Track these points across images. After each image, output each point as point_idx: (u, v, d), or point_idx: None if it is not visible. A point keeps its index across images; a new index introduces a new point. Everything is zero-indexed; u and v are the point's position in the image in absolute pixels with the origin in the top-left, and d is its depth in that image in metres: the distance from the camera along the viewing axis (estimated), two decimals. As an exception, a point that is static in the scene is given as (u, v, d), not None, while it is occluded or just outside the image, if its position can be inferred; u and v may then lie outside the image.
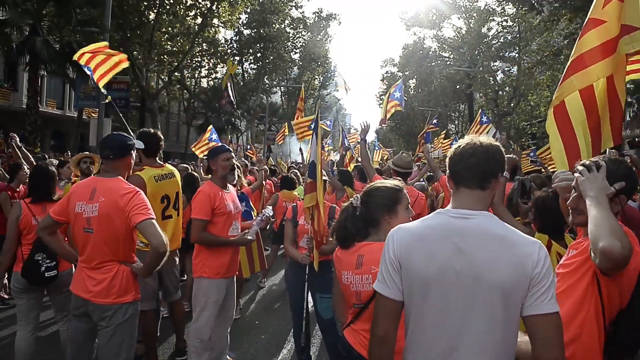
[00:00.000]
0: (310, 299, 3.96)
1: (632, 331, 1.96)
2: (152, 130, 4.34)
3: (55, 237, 3.18)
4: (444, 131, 28.49)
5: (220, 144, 11.60)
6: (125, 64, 6.57)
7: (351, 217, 2.54)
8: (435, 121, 16.30)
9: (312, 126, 4.30)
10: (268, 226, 4.55)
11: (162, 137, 4.39)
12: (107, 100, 7.06)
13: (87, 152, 6.16)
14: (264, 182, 7.71)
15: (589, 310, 1.91)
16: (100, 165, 5.23)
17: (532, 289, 1.57)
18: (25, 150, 5.88)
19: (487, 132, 12.42)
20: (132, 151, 3.23)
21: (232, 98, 11.98)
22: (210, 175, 4.20)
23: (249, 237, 4.06)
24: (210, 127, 10.89)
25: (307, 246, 3.93)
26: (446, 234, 1.69)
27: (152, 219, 2.88)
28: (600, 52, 3.40)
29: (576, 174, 2.03)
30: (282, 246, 8.08)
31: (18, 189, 5.86)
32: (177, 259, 4.65)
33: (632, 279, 1.89)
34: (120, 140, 3.18)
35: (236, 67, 11.38)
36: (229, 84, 11.63)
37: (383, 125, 12.32)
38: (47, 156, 8.95)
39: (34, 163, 5.97)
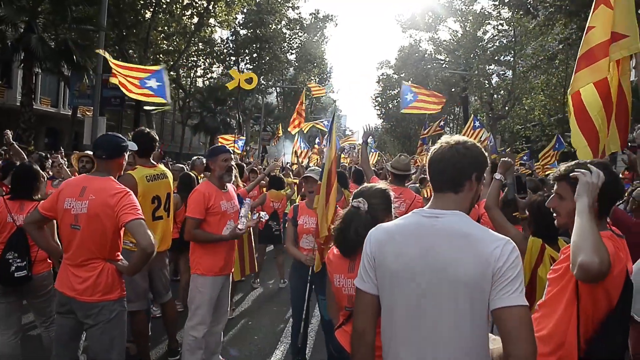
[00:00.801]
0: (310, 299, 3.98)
1: (618, 335, 1.98)
2: (147, 130, 4.36)
3: (42, 231, 3.17)
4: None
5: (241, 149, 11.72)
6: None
7: (363, 223, 2.40)
8: (442, 124, 16.27)
9: (327, 125, 4.33)
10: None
11: (156, 137, 4.39)
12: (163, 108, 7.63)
13: (88, 152, 6.16)
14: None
15: (571, 316, 1.94)
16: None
17: (496, 282, 1.57)
18: (17, 147, 5.86)
19: (481, 137, 12.44)
20: (125, 153, 3.24)
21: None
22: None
23: (239, 229, 4.03)
24: (243, 137, 11.25)
25: (308, 247, 3.97)
26: (416, 232, 1.72)
27: (141, 219, 2.91)
28: (586, 59, 3.47)
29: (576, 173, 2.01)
30: (270, 246, 8.13)
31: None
32: (167, 260, 4.65)
33: (618, 282, 1.93)
34: (114, 141, 3.18)
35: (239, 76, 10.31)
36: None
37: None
38: (48, 155, 8.90)
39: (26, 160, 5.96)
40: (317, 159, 12.77)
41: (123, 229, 2.97)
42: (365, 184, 2.75)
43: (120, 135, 3.33)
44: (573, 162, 2.19)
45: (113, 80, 7.02)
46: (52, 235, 3.65)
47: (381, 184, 2.66)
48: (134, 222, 2.86)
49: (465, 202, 1.75)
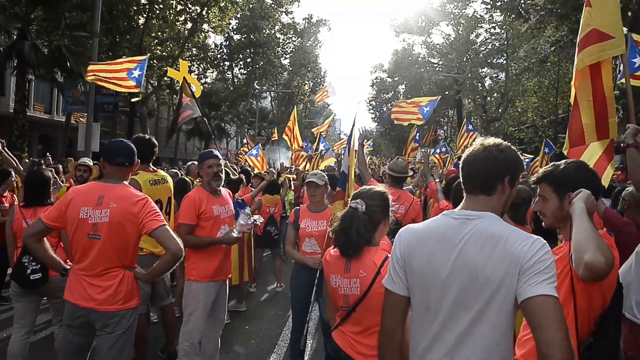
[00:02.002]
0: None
1: (612, 334, 2.01)
2: (147, 136, 4.39)
3: (42, 244, 3.05)
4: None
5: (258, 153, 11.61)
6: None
7: (363, 223, 2.47)
8: (437, 128, 16.24)
9: (347, 135, 4.41)
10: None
11: (156, 143, 4.41)
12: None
13: (86, 161, 6.18)
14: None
15: (567, 315, 1.96)
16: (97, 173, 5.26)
17: (522, 276, 1.56)
18: (7, 156, 5.86)
19: (475, 140, 12.50)
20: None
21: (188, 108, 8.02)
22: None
23: (235, 235, 4.06)
24: (258, 144, 11.18)
25: (310, 251, 4.00)
26: (447, 234, 1.72)
27: (166, 225, 2.92)
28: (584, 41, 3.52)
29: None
30: (268, 250, 8.15)
31: (5, 195, 5.91)
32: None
33: (612, 280, 1.96)
34: (131, 148, 3.14)
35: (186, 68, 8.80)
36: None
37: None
38: (41, 161, 8.87)
39: (19, 167, 5.98)
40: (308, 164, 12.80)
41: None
42: (364, 186, 2.78)
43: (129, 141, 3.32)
44: (551, 164, 2.23)
45: (88, 78, 7.36)
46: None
47: (380, 187, 2.70)
48: (161, 229, 2.86)
49: (498, 204, 1.76)
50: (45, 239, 3.08)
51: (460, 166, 1.84)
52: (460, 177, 1.82)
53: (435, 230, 1.77)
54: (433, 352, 1.72)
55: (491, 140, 1.78)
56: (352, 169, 4.05)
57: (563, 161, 2.21)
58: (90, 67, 7.32)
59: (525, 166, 13.05)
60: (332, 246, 2.79)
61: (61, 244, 3.69)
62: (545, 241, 1.63)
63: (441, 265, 1.70)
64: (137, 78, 7.11)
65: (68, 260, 3.28)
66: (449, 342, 1.68)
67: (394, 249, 1.87)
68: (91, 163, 6.23)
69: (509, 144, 1.80)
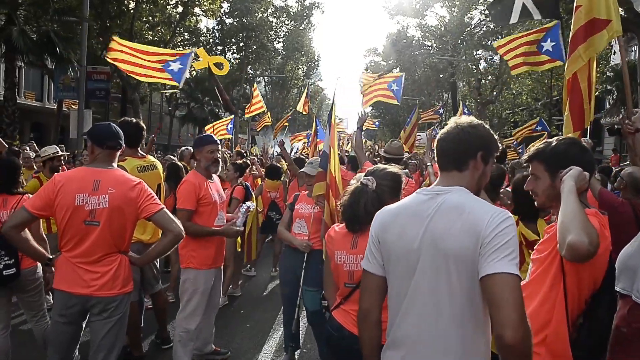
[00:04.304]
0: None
1: (603, 315, 2.00)
2: (134, 120, 4.26)
3: (24, 235, 2.94)
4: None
5: (230, 134, 11.50)
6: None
7: (370, 199, 2.47)
8: (440, 111, 16.25)
9: (328, 116, 4.35)
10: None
11: (144, 126, 4.32)
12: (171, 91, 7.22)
13: (56, 149, 6.03)
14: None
15: (557, 295, 1.95)
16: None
17: (482, 250, 1.55)
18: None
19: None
20: None
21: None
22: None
23: (237, 228, 4.05)
24: (232, 117, 10.98)
25: (300, 232, 3.98)
26: (416, 210, 1.74)
27: (164, 208, 2.94)
28: (580, 37, 3.52)
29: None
30: (269, 236, 8.17)
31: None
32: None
33: (602, 260, 1.94)
34: (119, 131, 3.08)
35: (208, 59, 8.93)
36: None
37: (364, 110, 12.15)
38: (19, 149, 8.74)
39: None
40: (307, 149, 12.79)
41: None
42: (378, 165, 2.78)
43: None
44: (542, 142, 2.22)
45: (109, 58, 6.51)
46: (38, 232, 3.59)
47: (394, 168, 2.67)
48: (160, 213, 2.89)
49: (471, 180, 1.76)
50: (26, 229, 2.97)
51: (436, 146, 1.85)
52: (435, 155, 1.84)
53: (407, 207, 1.80)
54: (403, 325, 1.74)
55: (465, 118, 1.81)
56: (334, 148, 3.97)
57: (554, 138, 2.19)
58: (113, 45, 6.43)
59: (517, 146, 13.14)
60: (336, 223, 2.78)
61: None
62: (510, 214, 1.62)
63: (411, 239, 1.71)
64: (177, 72, 6.45)
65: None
66: (417, 315, 1.69)
67: (371, 230, 1.89)
68: (53, 151, 5.93)
69: (482, 122, 1.82)
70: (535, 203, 2.20)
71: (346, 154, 9.63)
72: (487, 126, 1.83)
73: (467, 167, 1.75)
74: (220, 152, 4.17)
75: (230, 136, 11.75)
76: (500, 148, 3.44)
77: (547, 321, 1.95)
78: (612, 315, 2.06)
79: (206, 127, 10.26)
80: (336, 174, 3.89)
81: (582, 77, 3.66)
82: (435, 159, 1.86)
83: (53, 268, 3.01)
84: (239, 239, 6.27)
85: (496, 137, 1.86)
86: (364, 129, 6.72)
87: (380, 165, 2.74)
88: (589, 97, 3.70)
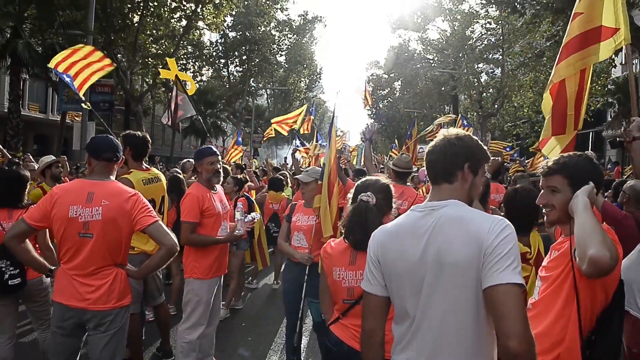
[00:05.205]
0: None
1: (615, 330, 1.98)
2: (140, 134, 4.29)
3: (25, 246, 2.92)
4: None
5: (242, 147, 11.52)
6: (110, 68, 6.54)
7: (376, 216, 2.45)
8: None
9: (329, 130, 4.40)
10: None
11: (149, 139, 4.35)
12: (88, 107, 7.02)
13: (52, 157, 6.10)
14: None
15: (571, 312, 1.93)
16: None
17: (485, 260, 1.55)
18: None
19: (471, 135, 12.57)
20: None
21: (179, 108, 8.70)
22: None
23: (238, 232, 4.04)
24: (237, 132, 10.97)
25: (299, 245, 3.97)
26: (414, 227, 1.74)
27: (159, 220, 2.90)
28: (572, 46, 3.51)
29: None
30: (270, 248, 8.15)
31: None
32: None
33: (615, 275, 1.91)
34: (117, 143, 3.10)
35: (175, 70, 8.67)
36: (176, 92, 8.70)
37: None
38: (20, 161, 8.72)
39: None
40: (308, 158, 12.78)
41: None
42: (369, 177, 2.77)
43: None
44: (561, 155, 2.18)
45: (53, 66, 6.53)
46: (44, 241, 3.60)
47: (383, 178, 2.69)
48: (154, 225, 2.85)
49: (462, 192, 1.76)
50: (27, 240, 2.96)
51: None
52: (425, 169, 1.85)
53: (404, 225, 1.79)
54: (414, 342, 1.72)
55: (452, 131, 1.81)
56: (331, 161, 3.99)
57: (571, 153, 2.15)
58: (54, 61, 6.59)
59: (520, 158, 13.12)
60: (331, 239, 2.76)
61: (37, 245, 3.56)
62: (509, 223, 1.62)
63: (412, 257, 1.71)
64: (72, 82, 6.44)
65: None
66: (425, 332, 1.68)
67: (369, 251, 1.88)
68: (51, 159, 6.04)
69: (469, 134, 1.82)
70: (547, 217, 2.15)
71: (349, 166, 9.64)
72: (476, 137, 1.83)
73: (456, 178, 1.75)
74: (221, 163, 4.18)
75: (244, 148, 11.76)
76: (499, 161, 3.44)
77: (561, 339, 1.92)
78: (621, 331, 2.04)
79: (224, 159, 10.27)
80: (332, 187, 3.90)
81: (571, 83, 3.58)
82: (426, 172, 1.86)
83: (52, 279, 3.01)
84: (247, 252, 6.33)
85: (486, 148, 1.85)
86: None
87: (370, 178, 2.72)
88: (578, 104, 3.60)
